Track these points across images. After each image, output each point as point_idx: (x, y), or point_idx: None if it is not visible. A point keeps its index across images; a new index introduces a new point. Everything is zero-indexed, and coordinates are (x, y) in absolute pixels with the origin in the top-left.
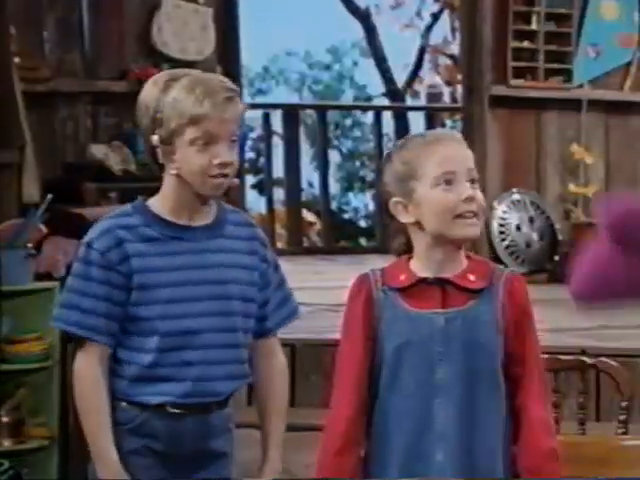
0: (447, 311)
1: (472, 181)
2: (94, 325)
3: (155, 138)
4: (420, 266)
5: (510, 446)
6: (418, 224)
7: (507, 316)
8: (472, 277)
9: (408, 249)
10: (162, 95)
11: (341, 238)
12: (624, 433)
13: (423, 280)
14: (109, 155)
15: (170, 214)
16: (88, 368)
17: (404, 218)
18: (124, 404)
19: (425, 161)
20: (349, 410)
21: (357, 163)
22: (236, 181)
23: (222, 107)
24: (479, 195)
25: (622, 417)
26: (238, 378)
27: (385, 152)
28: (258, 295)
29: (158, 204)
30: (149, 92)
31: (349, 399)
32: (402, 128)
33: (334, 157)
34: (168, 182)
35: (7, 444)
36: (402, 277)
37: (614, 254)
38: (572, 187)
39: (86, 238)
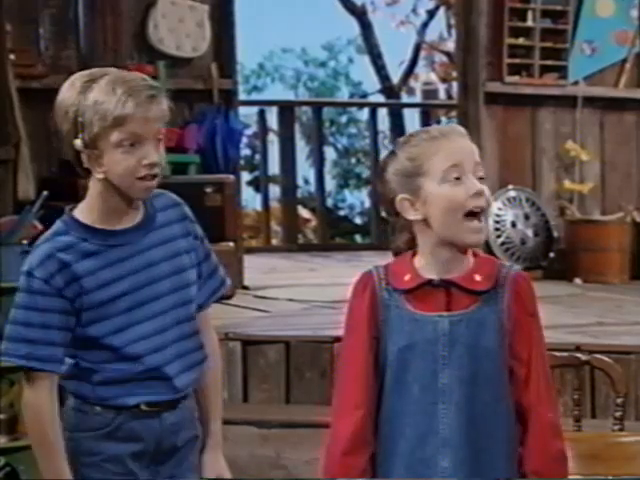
0: (452, 314)
1: (480, 179)
2: (46, 355)
3: (78, 143)
4: (425, 265)
5: (517, 448)
6: (425, 222)
7: (512, 317)
8: (478, 277)
9: (410, 248)
10: (81, 98)
11: (336, 235)
12: (620, 430)
13: (428, 282)
14: None
15: (101, 222)
16: (41, 399)
17: (411, 215)
18: (98, 408)
19: (432, 156)
20: (357, 409)
21: (352, 160)
22: (231, 178)
23: (146, 106)
24: (486, 190)
25: (618, 414)
26: (200, 363)
27: (381, 149)
28: (196, 273)
29: (87, 214)
30: (67, 95)
31: (356, 398)
32: (397, 125)
33: (329, 154)
34: (95, 187)
35: (3, 441)
36: (406, 277)
37: None
38: (567, 184)
39: (26, 266)
